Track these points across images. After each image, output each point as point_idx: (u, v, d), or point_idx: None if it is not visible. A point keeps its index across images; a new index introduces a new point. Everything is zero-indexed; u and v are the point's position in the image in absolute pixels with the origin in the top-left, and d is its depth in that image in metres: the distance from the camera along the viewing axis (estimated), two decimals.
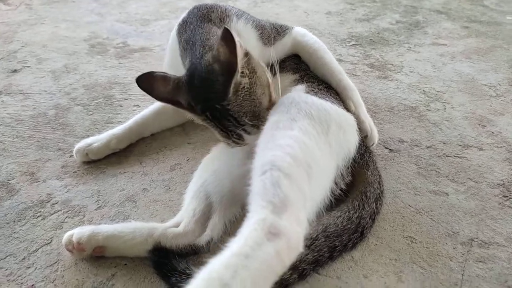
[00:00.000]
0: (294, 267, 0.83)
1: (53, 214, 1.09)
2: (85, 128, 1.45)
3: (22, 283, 0.90)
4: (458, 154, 1.29)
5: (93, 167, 1.25)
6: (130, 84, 1.74)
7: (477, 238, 1.00)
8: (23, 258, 0.96)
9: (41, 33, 2.31)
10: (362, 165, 1.04)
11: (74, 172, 1.24)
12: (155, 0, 2.98)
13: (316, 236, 0.90)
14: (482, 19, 2.56)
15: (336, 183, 0.96)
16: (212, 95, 0.88)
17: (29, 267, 0.94)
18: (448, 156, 1.29)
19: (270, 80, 0.98)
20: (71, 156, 1.30)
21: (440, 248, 0.98)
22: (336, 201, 0.98)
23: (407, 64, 1.93)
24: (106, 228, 0.95)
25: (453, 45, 2.16)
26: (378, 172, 1.08)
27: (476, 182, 1.18)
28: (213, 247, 0.96)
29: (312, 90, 1.09)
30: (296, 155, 0.79)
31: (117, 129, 1.31)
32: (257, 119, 0.93)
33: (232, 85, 0.86)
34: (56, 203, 1.12)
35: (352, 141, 1.02)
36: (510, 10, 2.73)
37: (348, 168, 1.00)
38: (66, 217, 1.08)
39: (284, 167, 0.75)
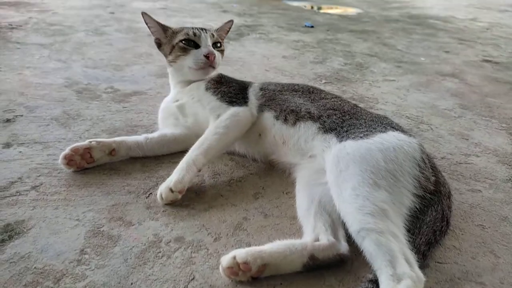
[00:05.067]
0: (417, 251, 1.01)
1: (175, 252, 1.06)
2: (136, 170, 1.42)
3: None
4: (466, 161, 1.63)
5: (180, 206, 1.25)
6: (151, 126, 1.74)
7: None
8: None
9: (7, 81, 2.12)
10: (433, 167, 1.25)
11: (163, 211, 1.22)
12: (109, 47, 2.94)
13: (420, 225, 1.09)
14: (404, 60, 3.15)
15: (421, 191, 1.16)
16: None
17: None
18: (461, 163, 1.61)
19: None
20: (147, 197, 1.28)
21: (507, 229, 1.25)
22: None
23: (379, 96, 2.30)
24: (263, 247, 1.00)
25: (400, 80, 2.62)
26: (441, 173, 1.30)
27: (492, 180, 1.51)
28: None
29: (343, 136, 1.26)
30: (372, 211, 1.00)
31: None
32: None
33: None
34: (170, 241, 1.10)
35: (406, 152, 1.16)
36: (418, 52, 3.40)
37: (423, 173, 1.20)
38: (191, 252, 1.07)
39: (373, 228, 0.97)
